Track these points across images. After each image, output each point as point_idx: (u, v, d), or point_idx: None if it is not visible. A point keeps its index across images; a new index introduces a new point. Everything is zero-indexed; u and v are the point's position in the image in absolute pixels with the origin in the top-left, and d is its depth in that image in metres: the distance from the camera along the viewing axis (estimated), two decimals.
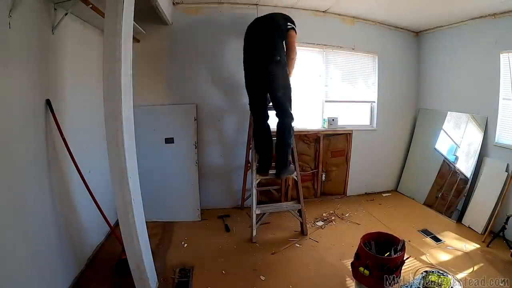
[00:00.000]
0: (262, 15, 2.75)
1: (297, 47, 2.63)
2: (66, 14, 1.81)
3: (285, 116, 2.53)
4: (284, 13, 2.72)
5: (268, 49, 2.50)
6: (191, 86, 3.13)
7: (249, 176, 3.08)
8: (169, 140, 3.02)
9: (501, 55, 2.81)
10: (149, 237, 1.92)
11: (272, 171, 2.67)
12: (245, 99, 3.24)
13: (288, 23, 2.60)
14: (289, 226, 2.93)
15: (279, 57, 2.48)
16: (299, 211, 2.76)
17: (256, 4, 3.11)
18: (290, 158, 2.64)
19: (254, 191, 2.66)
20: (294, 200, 3.06)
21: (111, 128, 1.58)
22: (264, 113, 2.65)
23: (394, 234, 2.03)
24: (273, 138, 2.66)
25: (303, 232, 2.78)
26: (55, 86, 1.87)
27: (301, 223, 2.79)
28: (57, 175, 1.86)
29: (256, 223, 2.64)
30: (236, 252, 2.47)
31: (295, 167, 2.72)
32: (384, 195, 3.84)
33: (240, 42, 3.17)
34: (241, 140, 3.30)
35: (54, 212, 1.80)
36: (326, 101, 3.56)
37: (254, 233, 2.63)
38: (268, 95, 2.59)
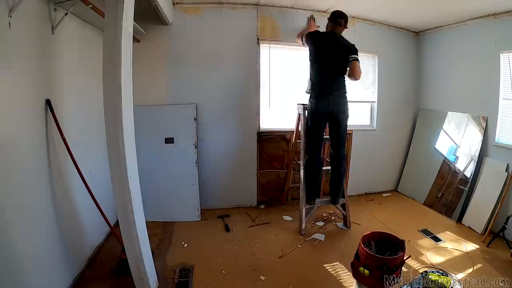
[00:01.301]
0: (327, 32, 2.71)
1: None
2: (66, 14, 1.81)
3: (343, 147, 2.77)
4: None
5: (340, 79, 2.63)
6: (191, 86, 3.13)
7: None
8: (169, 140, 3.02)
9: (501, 55, 2.81)
10: (149, 237, 1.91)
11: (321, 199, 2.90)
12: (246, 99, 3.26)
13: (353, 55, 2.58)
14: (289, 226, 2.94)
15: (345, 89, 2.66)
16: (343, 205, 2.92)
17: (256, 4, 3.11)
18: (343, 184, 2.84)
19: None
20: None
21: (111, 128, 1.58)
22: (321, 146, 2.81)
23: (394, 234, 2.03)
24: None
25: (346, 225, 2.95)
26: (55, 86, 1.87)
27: (344, 216, 2.96)
28: (57, 175, 1.86)
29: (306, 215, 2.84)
30: (236, 252, 2.47)
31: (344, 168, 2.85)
32: (384, 195, 3.84)
33: (241, 41, 3.19)
34: (242, 140, 3.30)
35: (54, 212, 1.80)
36: None
37: (304, 225, 2.80)
38: (328, 125, 2.73)
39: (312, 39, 2.70)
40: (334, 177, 2.79)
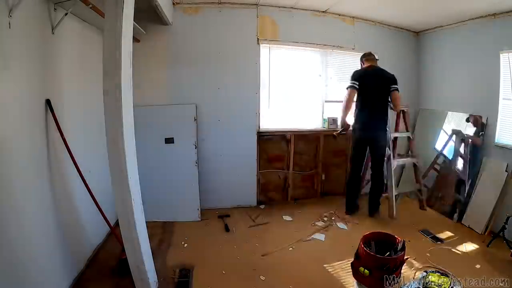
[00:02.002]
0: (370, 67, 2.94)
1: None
2: (66, 14, 1.81)
3: (381, 176, 3.09)
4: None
5: (383, 111, 2.93)
6: (191, 86, 3.13)
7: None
8: (169, 140, 3.02)
9: (501, 55, 2.81)
10: (149, 237, 1.91)
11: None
12: (246, 99, 3.26)
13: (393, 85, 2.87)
14: (289, 226, 2.93)
15: (387, 121, 2.99)
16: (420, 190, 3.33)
17: (256, 4, 3.11)
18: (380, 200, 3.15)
19: None
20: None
21: (111, 128, 1.58)
22: (362, 165, 3.18)
23: (394, 234, 2.03)
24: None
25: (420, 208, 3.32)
26: (55, 86, 1.87)
27: (420, 200, 3.34)
28: (57, 175, 1.86)
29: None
30: (236, 252, 2.47)
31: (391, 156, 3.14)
32: (384, 195, 3.82)
33: (241, 41, 3.19)
34: (242, 140, 3.30)
35: (54, 212, 1.80)
36: (326, 101, 3.56)
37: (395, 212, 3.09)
38: (369, 151, 3.05)
39: (358, 75, 2.95)
40: (372, 190, 3.14)
